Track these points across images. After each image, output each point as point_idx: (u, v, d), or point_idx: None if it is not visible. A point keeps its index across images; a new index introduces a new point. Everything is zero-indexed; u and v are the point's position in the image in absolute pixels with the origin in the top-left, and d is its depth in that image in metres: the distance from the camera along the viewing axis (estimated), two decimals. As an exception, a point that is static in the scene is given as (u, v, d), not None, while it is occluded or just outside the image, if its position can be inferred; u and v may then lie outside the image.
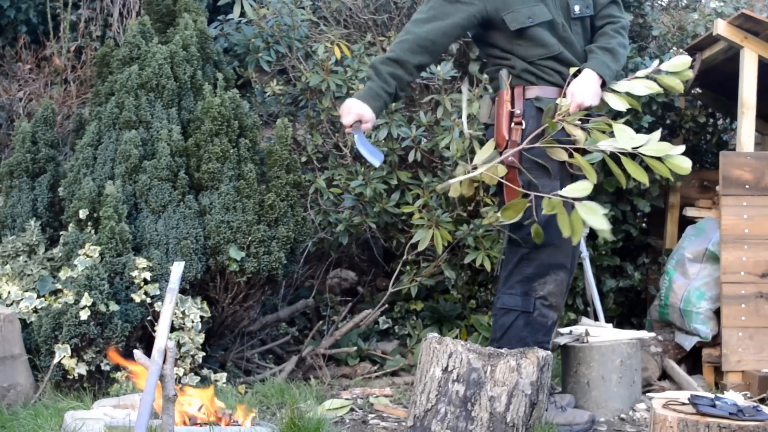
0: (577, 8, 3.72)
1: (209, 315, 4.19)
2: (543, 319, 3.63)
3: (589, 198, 5.14)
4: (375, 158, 3.55)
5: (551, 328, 3.67)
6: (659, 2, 6.10)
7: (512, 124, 3.63)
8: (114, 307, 3.83)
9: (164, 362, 2.79)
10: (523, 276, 3.63)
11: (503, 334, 3.66)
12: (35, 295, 4.00)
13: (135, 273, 3.94)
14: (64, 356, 3.79)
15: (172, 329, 3.99)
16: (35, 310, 3.97)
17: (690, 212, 5.08)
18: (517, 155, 3.57)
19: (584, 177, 3.64)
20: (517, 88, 3.66)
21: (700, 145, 5.75)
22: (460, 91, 4.98)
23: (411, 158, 4.96)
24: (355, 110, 3.54)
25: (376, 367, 4.83)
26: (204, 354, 4.12)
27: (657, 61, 3.62)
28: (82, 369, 3.82)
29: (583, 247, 4.63)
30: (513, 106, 3.65)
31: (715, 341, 4.51)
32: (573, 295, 5.16)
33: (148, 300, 3.95)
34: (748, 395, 4.16)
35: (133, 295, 3.92)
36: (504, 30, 3.67)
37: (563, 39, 3.68)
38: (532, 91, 3.64)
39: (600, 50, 3.66)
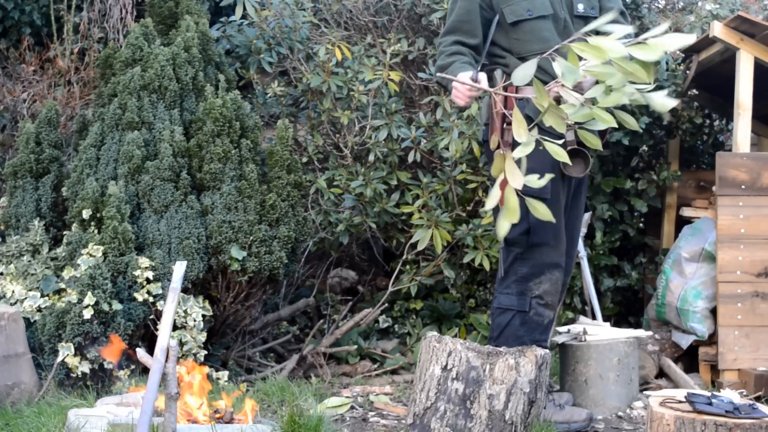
0: (581, 6, 3.73)
1: (211, 314, 4.23)
2: (539, 318, 3.65)
3: (588, 198, 5.22)
4: None
5: (548, 327, 3.70)
6: (656, 4, 6.12)
7: (504, 125, 3.64)
8: (117, 306, 3.86)
9: (166, 360, 2.82)
10: (519, 276, 3.65)
11: (500, 334, 3.68)
12: (39, 294, 4.03)
13: (137, 272, 3.96)
14: (68, 354, 3.81)
15: (175, 328, 4.02)
16: (39, 309, 4.00)
17: (687, 212, 5.10)
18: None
19: (577, 175, 3.62)
20: (510, 89, 3.68)
21: (697, 145, 5.78)
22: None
23: (411, 159, 5.00)
24: (459, 86, 3.48)
25: (376, 366, 4.85)
26: (206, 352, 4.15)
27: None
28: (86, 367, 3.85)
29: (581, 247, 4.66)
30: (506, 106, 3.68)
31: (712, 340, 4.54)
32: (571, 294, 5.19)
33: (151, 299, 3.98)
34: (744, 393, 4.18)
35: (135, 294, 3.95)
36: (503, 24, 3.69)
37: (565, 35, 3.64)
38: (525, 92, 3.61)
39: None
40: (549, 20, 3.67)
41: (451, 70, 3.59)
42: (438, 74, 3.71)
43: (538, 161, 3.52)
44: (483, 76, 3.49)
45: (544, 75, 3.65)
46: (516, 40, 3.68)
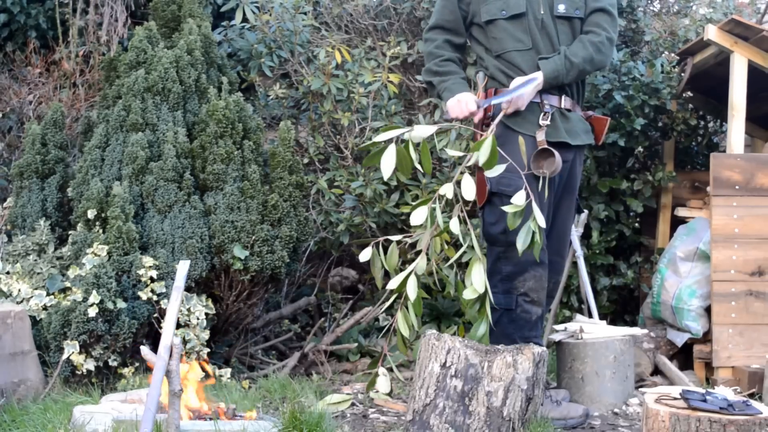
0: (561, 7, 3.70)
1: (214, 312, 4.26)
2: (527, 315, 3.66)
3: (584, 198, 5.27)
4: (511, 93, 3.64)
5: (536, 324, 3.70)
6: (651, 8, 6.15)
7: (483, 125, 3.69)
8: (121, 304, 3.89)
9: (170, 358, 2.86)
10: (503, 275, 3.66)
11: (490, 332, 3.70)
12: (45, 293, 4.06)
13: (142, 271, 3.99)
14: (73, 352, 3.84)
15: (178, 326, 4.05)
16: (45, 308, 4.03)
17: (681, 212, 5.14)
18: None
19: (548, 174, 3.63)
20: (489, 90, 3.73)
21: (692, 147, 5.82)
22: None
23: (410, 160, 5.05)
24: (464, 101, 3.65)
25: (376, 363, 4.90)
26: (209, 350, 4.18)
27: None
28: (91, 365, 3.88)
29: (577, 246, 4.70)
30: (485, 108, 3.71)
31: (706, 338, 4.58)
32: (567, 293, 5.22)
33: (155, 298, 4.00)
34: (738, 390, 4.22)
35: (139, 293, 3.98)
36: (480, 24, 3.74)
37: (544, 36, 3.69)
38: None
39: (561, 55, 3.65)
40: (524, 20, 3.67)
41: (450, 87, 3.73)
42: (433, 81, 3.84)
43: (514, 161, 3.56)
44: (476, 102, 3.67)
45: (518, 72, 3.70)
46: (493, 39, 3.71)
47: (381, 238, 3.74)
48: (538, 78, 3.61)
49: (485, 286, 3.43)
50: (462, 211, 3.58)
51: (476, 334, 3.54)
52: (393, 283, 3.53)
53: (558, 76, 3.63)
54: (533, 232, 3.37)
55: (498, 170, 3.43)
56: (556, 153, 3.55)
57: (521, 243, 3.40)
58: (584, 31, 3.75)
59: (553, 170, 3.57)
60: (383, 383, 3.68)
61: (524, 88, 3.58)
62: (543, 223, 3.41)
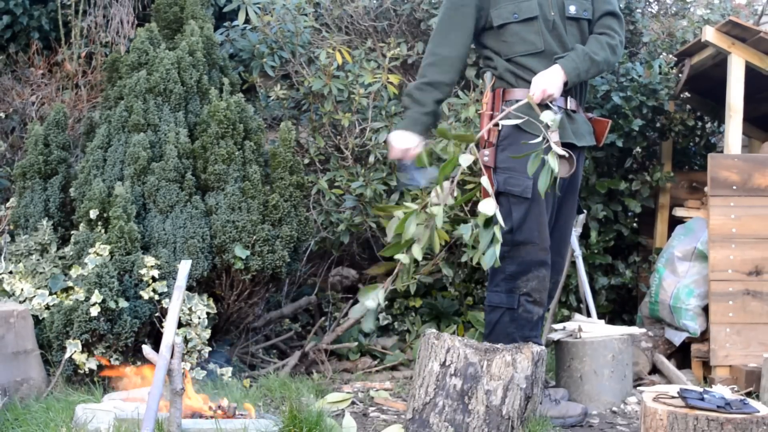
0: (572, 8, 3.73)
1: (215, 311, 4.27)
2: (528, 315, 3.68)
3: (583, 199, 5.30)
4: (420, 180, 3.68)
5: (537, 323, 3.72)
6: (649, 9, 6.17)
7: (490, 120, 3.70)
8: (123, 303, 3.89)
9: (172, 357, 2.88)
10: (507, 274, 3.68)
11: (491, 331, 3.73)
12: (47, 293, 4.06)
13: (143, 271, 4.00)
14: (75, 351, 3.85)
15: (180, 325, 4.07)
16: (47, 307, 4.04)
17: (679, 212, 5.16)
18: (492, 155, 3.66)
19: (562, 176, 3.64)
20: (497, 90, 3.75)
21: (689, 147, 5.85)
22: (457, 96, 5.10)
23: (410, 160, 5.07)
24: (397, 146, 3.72)
25: (376, 362, 4.91)
26: (210, 349, 4.19)
27: None
28: (93, 364, 3.88)
29: (576, 246, 4.72)
30: (493, 108, 3.73)
31: (704, 337, 4.60)
32: (566, 293, 5.25)
33: (156, 297, 4.01)
34: (736, 389, 4.25)
35: (141, 293, 3.99)
36: (491, 27, 3.74)
37: (555, 37, 3.71)
38: (511, 94, 3.70)
39: (580, 52, 3.68)
40: (535, 22, 3.68)
41: (403, 122, 3.76)
42: (403, 105, 3.85)
43: (521, 161, 3.58)
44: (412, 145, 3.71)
45: (530, 74, 3.72)
46: (503, 43, 3.72)
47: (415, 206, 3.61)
48: (558, 72, 3.61)
49: (494, 210, 3.28)
50: (475, 151, 3.47)
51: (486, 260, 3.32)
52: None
53: (579, 73, 3.64)
54: (551, 171, 3.23)
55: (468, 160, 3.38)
56: (572, 155, 3.56)
57: (542, 184, 3.26)
58: (598, 33, 3.77)
59: (567, 171, 3.59)
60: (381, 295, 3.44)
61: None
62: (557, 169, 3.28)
